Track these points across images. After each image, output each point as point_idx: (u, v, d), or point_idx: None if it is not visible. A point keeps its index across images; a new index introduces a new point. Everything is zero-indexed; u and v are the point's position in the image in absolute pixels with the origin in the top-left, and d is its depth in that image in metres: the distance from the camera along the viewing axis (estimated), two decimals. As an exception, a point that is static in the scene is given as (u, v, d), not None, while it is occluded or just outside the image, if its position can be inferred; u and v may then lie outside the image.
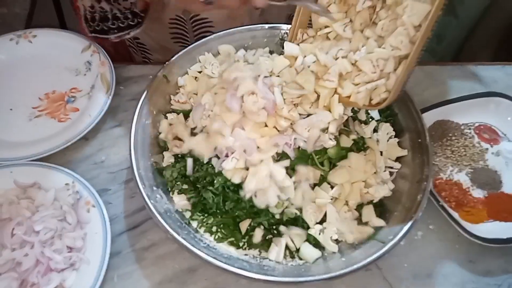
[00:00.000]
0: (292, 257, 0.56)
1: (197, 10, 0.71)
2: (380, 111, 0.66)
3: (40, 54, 0.79)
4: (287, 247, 0.56)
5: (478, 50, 1.17)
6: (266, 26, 0.73)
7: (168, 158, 0.63)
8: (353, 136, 0.61)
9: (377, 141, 0.63)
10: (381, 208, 0.60)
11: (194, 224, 0.58)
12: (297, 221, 0.58)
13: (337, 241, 0.57)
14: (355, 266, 0.51)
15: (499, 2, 1.06)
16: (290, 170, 0.57)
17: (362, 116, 0.64)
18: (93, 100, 0.73)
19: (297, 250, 0.57)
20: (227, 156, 0.57)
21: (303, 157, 0.58)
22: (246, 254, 0.56)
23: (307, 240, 0.57)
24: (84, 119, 0.70)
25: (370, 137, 0.63)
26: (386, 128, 0.64)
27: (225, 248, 0.56)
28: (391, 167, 0.62)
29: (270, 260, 0.56)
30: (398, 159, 0.63)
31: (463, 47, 1.18)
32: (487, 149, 0.71)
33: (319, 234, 0.56)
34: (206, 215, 0.59)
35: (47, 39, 0.80)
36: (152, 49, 0.86)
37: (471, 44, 1.16)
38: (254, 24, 0.72)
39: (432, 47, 1.20)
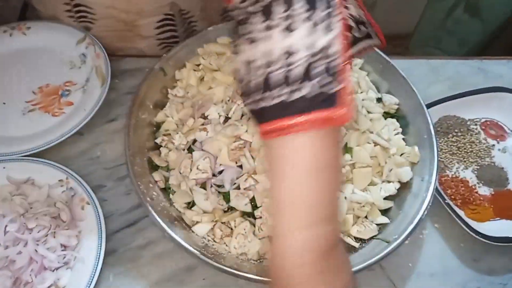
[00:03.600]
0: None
1: None
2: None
3: (34, 46, 0.77)
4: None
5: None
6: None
7: (165, 154, 0.61)
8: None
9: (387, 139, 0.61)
10: (385, 206, 0.58)
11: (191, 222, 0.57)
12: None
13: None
14: (359, 266, 0.50)
15: None
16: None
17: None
18: (88, 94, 0.71)
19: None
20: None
21: None
22: (245, 254, 0.54)
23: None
24: (78, 114, 0.68)
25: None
26: (393, 124, 0.62)
27: (223, 247, 0.55)
28: (396, 164, 0.61)
29: (270, 259, 0.54)
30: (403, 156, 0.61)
31: (485, 54, 1.16)
32: (493, 145, 0.69)
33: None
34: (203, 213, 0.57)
35: (41, 31, 0.78)
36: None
37: (494, 51, 1.13)
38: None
39: (453, 51, 1.17)
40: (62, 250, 0.56)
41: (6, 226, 0.56)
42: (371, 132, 0.61)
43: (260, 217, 0.54)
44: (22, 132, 0.68)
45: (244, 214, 0.56)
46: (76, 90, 0.73)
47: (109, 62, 0.72)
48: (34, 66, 0.75)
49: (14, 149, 0.64)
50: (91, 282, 0.54)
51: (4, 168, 0.62)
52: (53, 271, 0.55)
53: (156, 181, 0.59)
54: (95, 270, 0.54)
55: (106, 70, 0.71)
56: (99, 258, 0.55)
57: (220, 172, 0.57)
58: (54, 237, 0.57)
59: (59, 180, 0.61)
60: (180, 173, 0.57)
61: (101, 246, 0.56)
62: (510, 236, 0.58)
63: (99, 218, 0.58)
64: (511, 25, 1.04)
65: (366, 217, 0.57)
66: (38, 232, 0.56)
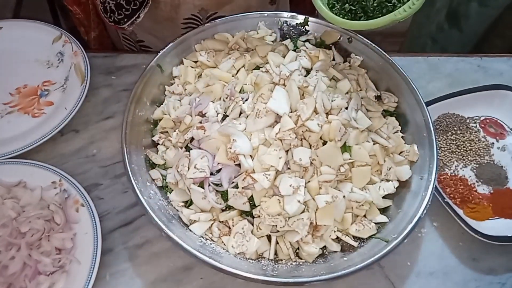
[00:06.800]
0: (292, 256, 0.54)
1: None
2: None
3: (7, 47, 0.75)
4: (284, 246, 0.54)
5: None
6: (266, 13, 0.70)
7: (162, 152, 0.60)
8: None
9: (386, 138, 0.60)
10: (385, 205, 0.58)
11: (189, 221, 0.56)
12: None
13: (338, 240, 0.55)
14: (357, 266, 0.49)
15: (505, 19, 1.02)
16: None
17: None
18: (68, 93, 0.70)
19: (297, 248, 0.55)
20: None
21: None
22: (243, 253, 0.54)
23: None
24: (59, 113, 0.66)
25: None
26: (392, 122, 0.62)
27: (221, 246, 0.54)
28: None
29: (268, 259, 0.54)
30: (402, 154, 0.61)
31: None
32: (492, 143, 0.69)
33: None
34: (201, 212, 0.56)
35: (13, 31, 0.76)
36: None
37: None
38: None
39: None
40: (57, 254, 0.55)
41: (-3, 231, 0.55)
42: (370, 131, 0.61)
43: (259, 216, 0.53)
44: (2, 135, 0.66)
45: (243, 213, 0.56)
46: (56, 89, 0.71)
47: (88, 59, 0.71)
48: (9, 67, 0.73)
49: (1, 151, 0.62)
50: (88, 285, 0.53)
51: None
52: (48, 275, 0.54)
53: (153, 180, 0.58)
54: (92, 273, 0.53)
55: (85, 67, 0.70)
56: (95, 261, 0.54)
57: (218, 171, 0.56)
58: (49, 240, 0.55)
59: (52, 182, 0.60)
60: (178, 172, 0.56)
61: (97, 249, 0.55)
62: (509, 235, 0.58)
63: (94, 220, 0.57)
64: (488, 37, 1.04)
65: (365, 216, 0.56)
66: (32, 236, 0.55)
